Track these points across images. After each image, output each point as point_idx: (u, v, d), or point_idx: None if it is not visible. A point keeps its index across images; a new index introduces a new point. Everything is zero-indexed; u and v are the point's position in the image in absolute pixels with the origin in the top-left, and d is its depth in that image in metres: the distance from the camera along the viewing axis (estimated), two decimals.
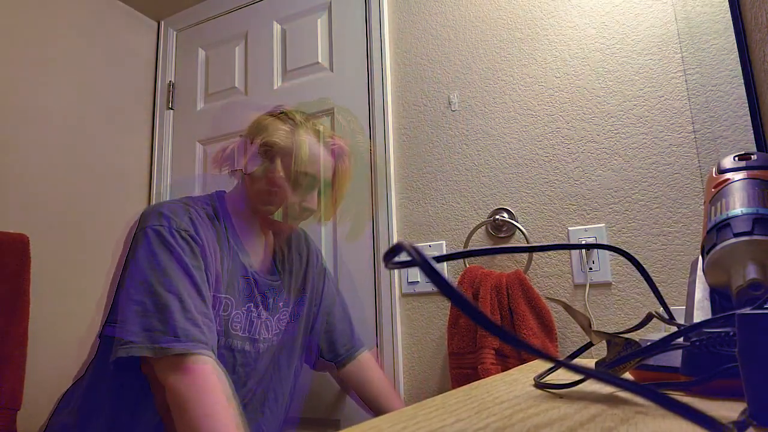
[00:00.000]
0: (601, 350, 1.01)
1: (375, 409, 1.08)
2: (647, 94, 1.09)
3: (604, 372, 0.22)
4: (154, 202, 1.72)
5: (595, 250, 1.09)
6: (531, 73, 1.22)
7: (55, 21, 1.52)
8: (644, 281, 0.83)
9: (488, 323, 0.21)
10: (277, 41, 1.62)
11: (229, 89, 1.68)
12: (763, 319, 0.27)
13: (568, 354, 0.93)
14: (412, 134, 1.35)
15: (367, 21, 1.46)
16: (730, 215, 0.46)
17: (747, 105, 0.99)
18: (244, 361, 0.93)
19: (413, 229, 1.30)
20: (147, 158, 1.76)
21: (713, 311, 0.48)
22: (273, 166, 0.94)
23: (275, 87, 1.59)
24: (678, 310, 0.94)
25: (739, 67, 1.01)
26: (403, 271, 1.28)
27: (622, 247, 0.96)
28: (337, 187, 1.02)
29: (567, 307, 0.48)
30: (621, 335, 0.43)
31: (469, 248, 1.12)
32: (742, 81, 1.00)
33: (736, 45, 1.01)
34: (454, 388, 0.84)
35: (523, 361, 1.03)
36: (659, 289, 0.76)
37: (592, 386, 0.47)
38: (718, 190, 0.51)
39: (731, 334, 0.37)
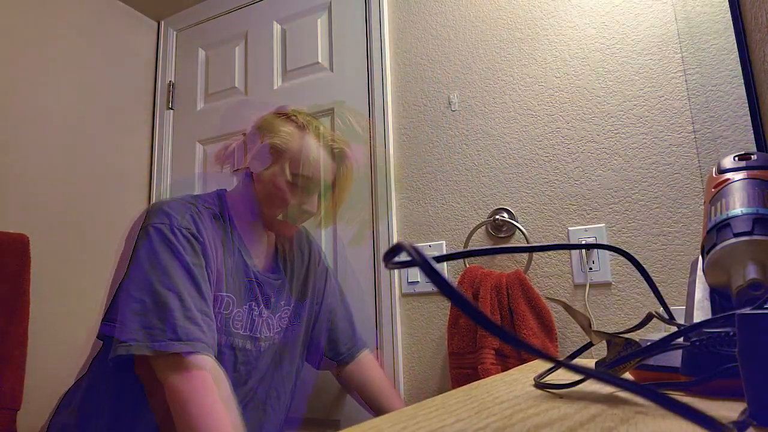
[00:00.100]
0: (601, 350, 1.01)
1: (375, 409, 1.08)
2: (647, 94, 1.09)
3: (604, 372, 0.22)
4: (154, 202, 1.72)
5: (595, 250, 1.09)
6: (531, 73, 1.22)
7: (55, 21, 1.52)
8: (644, 281, 0.83)
9: (488, 323, 0.21)
10: (277, 41, 1.62)
11: (229, 89, 1.68)
12: (763, 319, 0.27)
13: (568, 354, 0.93)
14: (412, 134, 1.35)
15: (367, 21, 1.46)
16: (730, 215, 0.46)
17: (747, 105, 0.99)
18: (246, 360, 0.93)
19: (413, 229, 1.30)
20: (147, 158, 1.76)
21: (713, 311, 0.48)
22: (278, 169, 0.94)
23: (275, 87, 1.59)
24: (678, 310, 0.94)
25: (739, 67, 1.01)
26: (403, 271, 1.28)
27: (622, 247, 0.96)
28: (338, 191, 1.02)
29: (567, 307, 0.48)
30: (621, 335, 0.43)
31: (469, 248, 1.12)
32: (742, 81, 1.00)
33: (736, 45, 1.01)
34: (454, 388, 0.84)
35: (523, 361, 1.03)
36: (659, 289, 0.76)
37: (592, 386, 0.47)
38: (718, 190, 0.51)
39: (731, 334, 0.37)
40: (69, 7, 1.56)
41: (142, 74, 1.79)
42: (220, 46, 1.74)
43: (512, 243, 1.19)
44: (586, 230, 1.10)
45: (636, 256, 0.84)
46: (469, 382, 0.67)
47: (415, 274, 1.27)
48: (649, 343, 0.39)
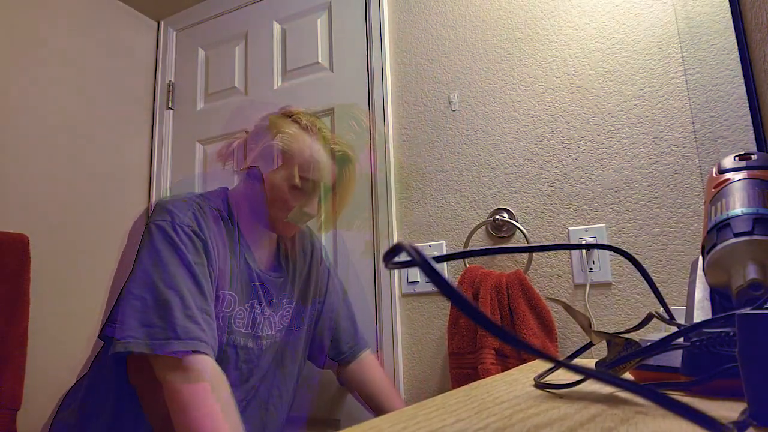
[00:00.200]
0: (601, 350, 1.01)
1: (375, 408, 1.08)
2: (647, 94, 1.09)
3: (604, 372, 0.22)
4: (154, 202, 1.72)
5: (595, 250, 1.09)
6: (531, 73, 1.22)
7: (54, 21, 1.52)
8: (644, 281, 0.83)
9: (488, 323, 0.21)
10: (277, 41, 1.62)
11: (229, 89, 1.68)
12: (763, 319, 0.27)
13: (568, 354, 0.93)
14: (412, 134, 1.35)
15: (367, 21, 1.46)
16: (730, 215, 0.46)
17: (747, 105, 0.99)
18: (247, 358, 0.93)
19: (413, 229, 1.30)
20: (147, 158, 1.76)
21: (713, 311, 0.48)
22: (287, 173, 0.93)
23: (275, 87, 1.59)
24: (678, 310, 0.94)
25: (740, 67, 1.01)
26: (403, 271, 1.28)
27: (623, 247, 0.96)
28: (340, 194, 1.02)
29: (567, 307, 0.48)
30: (621, 335, 0.43)
31: (469, 248, 1.12)
32: (743, 81, 1.00)
33: (736, 45, 1.01)
34: (454, 388, 0.84)
35: (523, 361, 1.03)
36: (659, 289, 0.76)
37: (592, 386, 0.47)
38: (718, 190, 0.51)
39: (731, 334, 0.37)
40: (68, 6, 1.56)
41: (141, 74, 1.80)
42: (219, 46, 1.74)
43: (512, 243, 1.19)
44: (586, 230, 1.10)
45: (636, 256, 0.84)
46: (469, 382, 0.67)
47: (415, 274, 1.27)
48: (649, 343, 0.39)
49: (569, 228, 1.12)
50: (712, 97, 1.03)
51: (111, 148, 1.64)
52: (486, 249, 0.42)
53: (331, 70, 1.51)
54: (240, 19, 1.71)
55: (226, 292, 0.90)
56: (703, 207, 1.01)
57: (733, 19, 1.02)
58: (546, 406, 0.38)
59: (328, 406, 1.30)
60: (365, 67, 1.44)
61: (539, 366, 0.71)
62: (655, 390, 0.21)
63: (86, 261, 1.50)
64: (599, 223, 1.09)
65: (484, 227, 1.22)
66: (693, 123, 1.04)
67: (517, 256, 1.17)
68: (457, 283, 1.17)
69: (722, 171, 0.52)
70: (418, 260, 0.23)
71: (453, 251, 0.71)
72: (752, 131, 0.98)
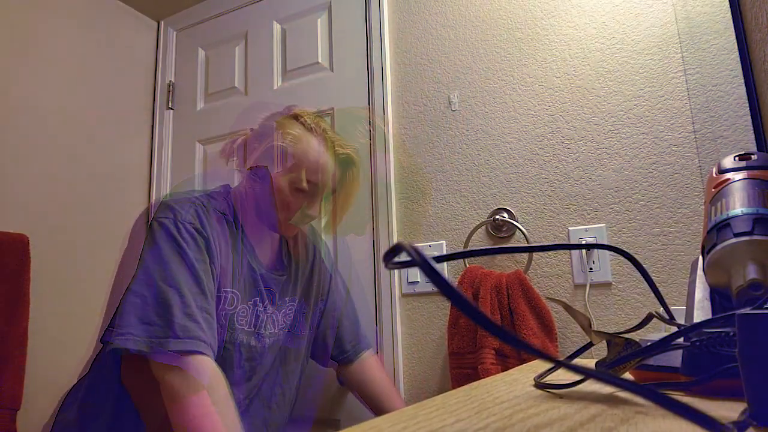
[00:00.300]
0: (601, 350, 1.01)
1: (376, 408, 1.08)
2: (647, 94, 1.09)
3: (604, 372, 0.22)
4: (153, 202, 1.73)
5: (595, 250, 1.09)
6: (531, 73, 1.22)
7: (54, 21, 1.52)
8: (644, 281, 0.83)
9: (488, 323, 0.21)
10: (277, 41, 1.62)
11: (229, 89, 1.68)
12: (763, 319, 0.27)
13: (568, 354, 0.93)
14: (412, 134, 1.35)
15: (367, 21, 1.46)
16: (730, 215, 0.46)
17: (747, 105, 0.99)
18: (250, 356, 0.93)
19: (413, 229, 1.30)
20: (147, 158, 1.76)
21: (713, 311, 0.48)
22: (295, 176, 0.93)
23: (275, 87, 1.59)
24: (678, 310, 0.94)
25: (740, 67, 1.01)
26: (403, 271, 1.28)
27: (623, 247, 0.96)
28: (343, 197, 1.02)
29: (567, 307, 0.48)
30: (621, 335, 0.43)
31: (469, 248, 1.12)
32: (743, 81, 1.00)
33: (736, 45, 1.01)
34: (454, 388, 0.84)
35: (523, 361, 1.03)
36: (659, 289, 0.76)
37: (592, 386, 0.47)
38: (718, 190, 0.51)
39: (731, 334, 0.37)
40: (68, 6, 1.56)
41: (141, 74, 1.80)
42: (219, 46, 1.74)
43: (512, 243, 1.19)
44: (586, 230, 1.10)
45: (636, 256, 0.84)
46: (469, 382, 0.67)
47: (415, 274, 1.27)
48: (649, 343, 0.39)
49: (569, 228, 1.12)
50: (712, 97, 1.03)
51: (111, 148, 1.64)
52: (486, 249, 0.42)
53: (331, 70, 1.51)
54: (240, 19, 1.71)
55: (229, 290, 0.89)
56: (703, 207, 1.01)
57: (733, 19, 1.02)
58: (546, 406, 0.38)
59: (328, 406, 1.30)
60: (365, 67, 1.44)
61: (539, 366, 0.71)
62: (655, 390, 0.21)
63: (86, 261, 1.50)
64: (599, 223, 1.09)
65: (484, 227, 1.22)
66: (693, 123, 1.04)
67: (517, 256, 1.17)
68: (457, 283, 1.17)
69: (722, 171, 0.52)
70: (418, 260, 0.23)
71: (453, 251, 0.71)
72: (752, 131, 0.98)
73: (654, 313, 0.50)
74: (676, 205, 1.03)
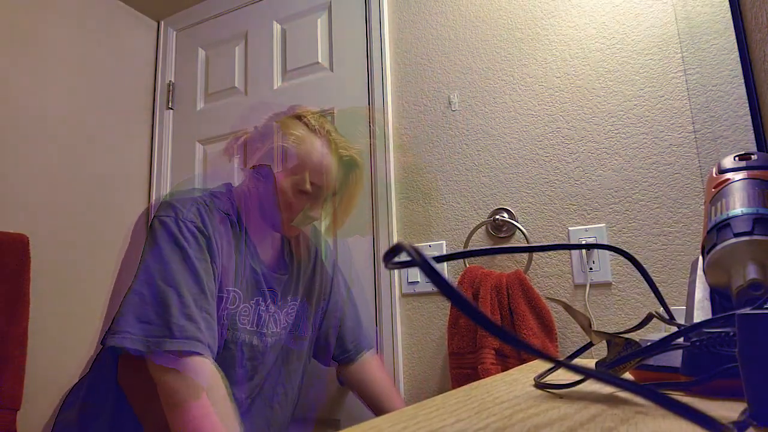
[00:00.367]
0: (601, 350, 1.01)
1: (376, 408, 1.08)
2: (647, 94, 1.09)
3: (604, 372, 0.22)
4: (154, 202, 1.73)
5: (595, 250, 1.09)
6: (531, 73, 1.22)
7: (55, 21, 1.52)
8: (644, 281, 0.83)
9: (488, 323, 0.21)
10: (277, 41, 1.62)
11: (229, 89, 1.68)
12: (763, 319, 0.27)
13: (568, 354, 0.93)
14: (412, 134, 1.35)
15: (367, 21, 1.46)
16: (730, 215, 0.46)
17: (747, 105, 0.99)
18: (252, 355, 0.93)
19: (413, 229, 1.30)
20: (147, 158, 1.76)
21: (713, 311, 0.48)
22: (299, 178, 0.93)
23: (275, 87, 1.59)
24: (678, 310, 0.94)
25: (740, 67, 1.01)
26: (403, 271, 1.28)
27: (623, 247, 0.96)
28: (347, 199, 1.01)
29: (567, 307, 0.48)
30: (621, 335, 0.43)
31: (469, 248, 1.12)
32: (743, 81, 1.00)
33: (736, 45, 1.01)
34: (454, 388, 0.84)
35: (523, 361, 1.03)
36: (659, 289, 0.76)
37: (592, 386, 0.47)
38: (718, 190, 0.51)
39: (731, 334, 0.37)
40: (68, 6, 1.56)
41: (141, 74, 1.80)
42: (219, 45, 1.74)
43: (512, 243, 1.19)
44: (586, 230, 1.10)
45: (636, 256, 0.84)
46: (469, 382, 0.67)
47: (415, 274, 1.27)
48: (649, 343, 0.39)
49: (569, 228, 1.12)
50: (712, 97, 1.03)
51: (111, 148, 1.64)
52: (486, 249, 0.42)
53: (331, 70, 1.51)
54: (240, 19, 1.71)
55: (231, 289, 0.89)
56: (703, 207, 1.01)
57: (733, 19, 1.02)
58: (546, 406, 0.38)
59: (328, 406, 1.30)
60: (365, 67, 1.44)
61: (539, 366, 0.71)
62: (655, 390, 0.21)
63: (86, 261, 1.50)
64: (599, 223, 1.09)
65: (484, 227, 1.22)
66: (693, 123, 1.04)
67: (517, 256, 1.17)
68: (457, 283, 1.17)
69: (722, 171, 0.52)
70: (418, 260, 0.23)
71: (453, 251, 0.71)
72: (752, 131, 0.98)
73: (654, 313, 0.50)
74: (676, 205, 1.03)
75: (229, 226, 0.92)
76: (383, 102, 1.38)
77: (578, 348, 0.61)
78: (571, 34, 1.19)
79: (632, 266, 0.97)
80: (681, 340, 0.41)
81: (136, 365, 0.81)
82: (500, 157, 1.22)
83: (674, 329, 0.54)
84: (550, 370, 0.51)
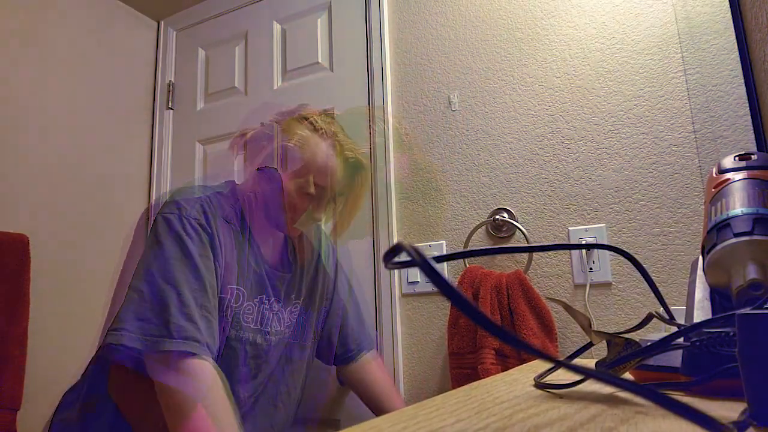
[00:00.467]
0: (601, 350, 1.01)
1: (376, 408, 1.08)
2: (647, 94, 1.09)
3: (604, 372, 0.22)
4: (154, 202, 1.73)
5: (596, 250, 1.09)
6: (531, 73, 1.22)
7: (55, 21, 1.52)
8: (644, 281, 0.83)
9: (488, 323, 0.21)
10: (277, 41, 1.62)
11: (229, 89, 1.68)
12: (763, 319, 0.27)
13: (568, 354, 0.93)
14: (412, 134, 1.35)
15: (367, 21, 1.46)
16: (730, 215, 0.46)
17: (747, 105, 0.99)
18: (256, 354, 0.92)
19: (413, 229, 1.30)
20: (147, 158, 1.76)
21: (713, 311, 0.48)
22: (303, 181, 0.93)
23: (275, 87, 1.59)
24: (678, 310, 0.94)
25: (740, 67, 1.01)
26: (403, 271, 1.28)
27: (623, 247, 0.96)
28: (352, 201, 1.01)
29: (567, 307, 0.48)
30: (621, 335, 0.43)
31: (469, 248, 1.12)
32: (743, 81, 1.00)
33: (736, 45, 1.01)
34: (454, 388, 0.84)
35: (523, 361, 1.03)
36: (659, 289, 0.76)
37: (592, 386, 0.47)
38: (718, 190, 0.51)
39: (731, 334, 0.37)
40: (69, 6, 1.56)
41: (141, 74, 1.80)
42: (219, 45, 1.74)
43: (512, 243, 1.19)
44: (586, 230, 1.10)
45: (636, 256, 0.84)
46: (469, 382, 0.67)
47: (415, 274, 1.27)
48: (649, 343, 0.39)
49: (569, 228, 1.12)
50: (712, 97, 1.03)
51: (111, 148, 1.64)
52: (486, 249, 0.42)
53: (331, 70, 1.51)
54: (240, 19, 1.71)
55: (234, 287, 0.89)
56: (703, 207, 1.01)
57: (733, 19, 1.02)
58: (546, 406, 0.38)
59: (328, 406, 1.30)
60: (365, 67, 1.44)
61: (539, 366, 0.71)
62: (655, 390, 0.21)
63: (86, 261, 1.50)
64: (599, 223, 1.09)
65: (484, 227, 1.22)
66: (693, 123, 1.04)
67: (517, 256, 1.17)
68: (457, 283, 1.17)
69: (722, 171, 0.52)
70: (418, 260, 0.23)
71: (453, 251, 0.71)
72: (752, 131, 0.98)
73: (654, 313, 0.50)
74: (676, 205, 1.03)
75: (232, 224, 0.92)
76: (383, 102, 1.38)
77: (578, 348, 0.61)
78: (571, 34, 1.19)
79: (632, 266, 0.97)
80: (681, 340, 0.41)
81: (127, 378, 0.81)
82: (500, 157, 1.22)
83: (674, 329, 0.54)
84: (550, 370, 0.51)
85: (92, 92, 1.60)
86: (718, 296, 0.48)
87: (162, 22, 1.88)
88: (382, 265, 1.31)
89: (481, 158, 1.24)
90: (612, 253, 1.07)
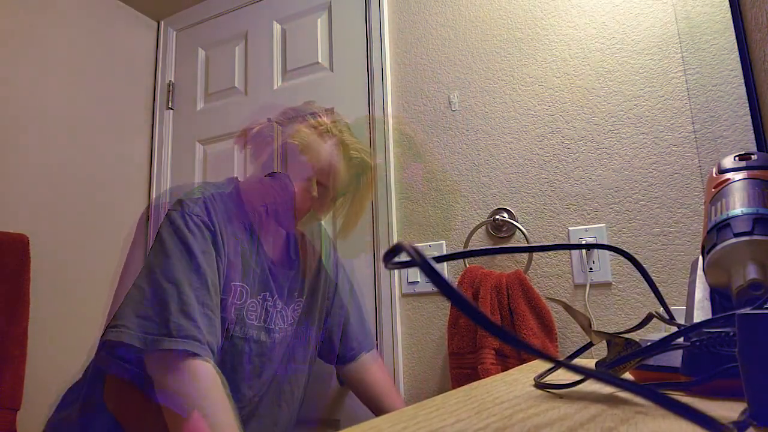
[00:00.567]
0: (601, 350, 1.01)
1: (376, 408, 1.08)
2: (647, 94, 1.09)
3: (604, 372, 0.22)
4: (153, 202, 1.73)
5: (595, 250, 1.09)
6: (531, 73, 1.22)
7: (55, 21, 1.52)
8: (644, 281, 0.83)
9: (488, 323, 0.21)
10: (277, 41, 1.62)
11: (229, 89, 1.68)
12: (763, 319, 0.27)
13: (568, 354, 0.93)
14: (411, 134, 1.35)
15: (367, 21, 1.46)
16: (730, 215, 0.46)
17: (747, 105, 0.99)
18: (260, 352, 0.92)
19: (413, 229, 1.30)
20: (147, 158, 1.76)
21: (713, 311, 0.48)
22: (308, 184, 0.93)
23: (275, 87, 1.59)
24: (678, 310, 0.94)
25: (740, 67, 1.01)
26: (403, 271, 1.28)
27: (623, 247, 0.96)
28: (357, 202, 1.01)
29: (567, 307, 0.48)
30: (621, 335, 0.43)
31: (469, 248, 1.12)
32: (743, 81, 1.00)
33: (736, 45, 1.01)
34: (454, 388, 0.84)
35: (523, 361, 1.03)
36: (659, 289, 0.76)
37: (592, 386, 0.47)
38: (718, 190, 0.51)
39: (731, 334, 0.37)
40: (68, 6, 1.56)
41: (141, 74, 1.80)
42: (219, 45, 1.74)
43: (512, 243, 1.19)
44: (586, 230, 1.10)
45: (636, 256, 0.84)
46: (469, 382, 0.67)
47: (415, 274, 1.27)
48: (649, 343, 0.39)
49: (569, 228, 1.12)
50: (712, 97, 1.03)
51: (111, 147, 1.64)
52: (486, 249, 0.42)
53: (331, 70, 1.51)
54: (240, 19, 1.71)
55: (238, 284, 0.89)
56: (703, 207, 1.01)
57: (733, 19, 1.02)
58: (546, 406, 0.38)
59: (328, 406, 1.30)
60: (365, 67, 1.44)
61: (539, 366, 0.71)
62: (655, 390, 0.21)
63: (86, 261, 1.50)
64: (599, 223, 1.09)
65: (484, 227, 1.22)
66: (693, 123, 1.04)
67: (517, 256, 1.17)
68: (457, 283, 1.17)
69: (722, 171, 0.52)
70: (418, 260, 0.23)
71: (453, 251, 0.71)
72: (752, 131, 0.98)
73: (654, 313, 0.50)
74: (676, 205, 1.03)
75: (235, 220, 0.92)
76: (383, 102, 1.38)
77: (578, 348, 0.61)
78: (571, 34, 1.19)
79: (632, 266, 0.97)
80: (681, 340, 0.41)
81: (123, 389, 0.80)
82: (500, 157, 1.22)
83: (674, 329, 0.53)
84: (550, 370, 0.51)
85: (92, 92, 1.60)
86: (718, 296, 0.48)
87: (162, 22, 1.88)
88: (382, 265, 1.31)
89: (481, 158, 1.24)
90: (612, 253, 1.07)
